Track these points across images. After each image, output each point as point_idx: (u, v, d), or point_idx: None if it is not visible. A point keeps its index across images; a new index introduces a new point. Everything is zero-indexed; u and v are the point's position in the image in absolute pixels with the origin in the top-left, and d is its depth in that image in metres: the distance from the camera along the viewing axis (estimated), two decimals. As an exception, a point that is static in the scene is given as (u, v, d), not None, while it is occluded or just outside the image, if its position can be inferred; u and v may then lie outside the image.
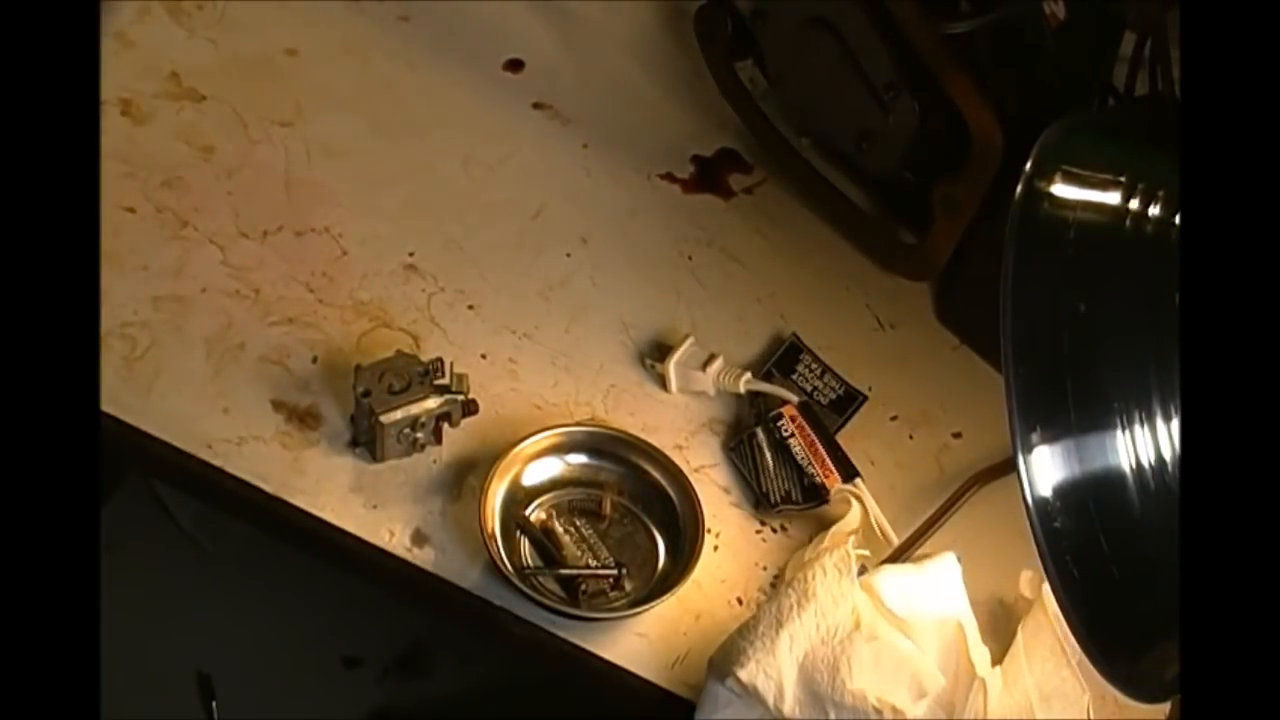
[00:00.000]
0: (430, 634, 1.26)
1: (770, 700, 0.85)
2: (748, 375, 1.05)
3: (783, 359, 1.09)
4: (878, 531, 0.99)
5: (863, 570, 0.93)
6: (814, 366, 1.09)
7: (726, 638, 0.89)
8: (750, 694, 0.86)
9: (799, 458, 1.01)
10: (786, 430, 1.02)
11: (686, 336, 1.07)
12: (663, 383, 1.07)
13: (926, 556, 0.96)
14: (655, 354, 1.08)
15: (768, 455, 1.02)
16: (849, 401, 1.08)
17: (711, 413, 1.06)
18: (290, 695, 1.27)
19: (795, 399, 1.04)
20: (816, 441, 1.01)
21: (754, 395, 1.06)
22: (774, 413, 1.03)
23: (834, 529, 0.98)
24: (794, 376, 1.08)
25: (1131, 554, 0.79)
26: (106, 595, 0.62)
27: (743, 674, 0.86)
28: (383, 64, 1.23)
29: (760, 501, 1.01)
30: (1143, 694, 0.80)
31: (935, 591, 0.92)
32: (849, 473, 1.00)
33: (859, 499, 0.99)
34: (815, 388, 1.08)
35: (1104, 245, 0.80)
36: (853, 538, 0.95)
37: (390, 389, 0.97)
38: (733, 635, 0.89)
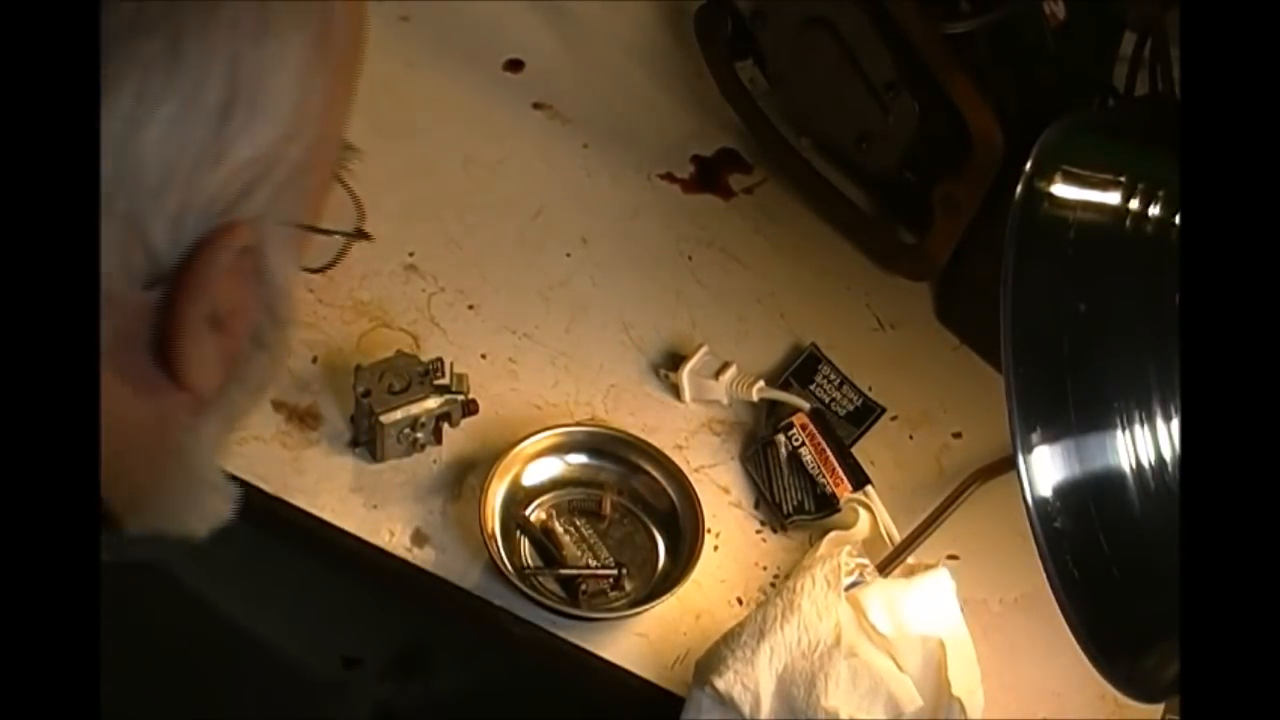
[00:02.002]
0: (430, 634, 1.26)
1: (746, 711, 0.85)
2: (760, 383, 1.05)
3: (801, 369, 1.09)
4: (886, 539, 0.99)
5: (861, 580, 0.92)
6: (832, 377, 1.09)
7: (713, 643, 0.89)
8: (727, 703, 0.85)
9: (810, 467, 1.01)
10: (797, 439, 1.01)
11: (700, 345, 1.07)
12: (676, 392, 1.06)
13: (925, 566, 0.96)
14: (668, 363, 1.07)
15: (783, 465, 1.02)
16: (866, 414, 1.08)
17: (711, 413, 1.06)
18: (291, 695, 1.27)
19: (806, 406, 1.03)
20: (827, 449, 1.00)
21: (769, 404, 1.05)
22: (785, 421, 1.02)
23: (830, 536, 0.98)
24: (812, 387, 1.08)
25: (1131, 554, 0.79)
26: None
27: (720, 683, 0.85)
28: (383, 64, 1.23)
29: (773, 511, 1.01)
30: (1143, 694, 0.80)
31: (924, 607, 0.91)
32: (859, 480, 1.00)
33: (868, 507, 0.99)
34: (833, 399, 1.08)
35: (1104, 245, 0.80)
36: (847, 548, 0.94)
37: (390, 389, 0.97)
38: (717, 642, 0.89)
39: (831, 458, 1.00)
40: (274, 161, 0.54)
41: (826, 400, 1.07)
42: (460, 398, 0.99)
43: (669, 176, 1.22)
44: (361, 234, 0.65)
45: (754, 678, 0.86)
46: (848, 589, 0.91)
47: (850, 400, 1.08)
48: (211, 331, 0.55)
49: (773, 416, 1.05)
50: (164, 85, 0.49)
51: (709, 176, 1.22)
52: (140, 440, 0.58)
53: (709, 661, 0.87)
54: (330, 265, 0.64)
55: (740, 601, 0.97)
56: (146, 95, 0.49)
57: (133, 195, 0.50)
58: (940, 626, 0.91)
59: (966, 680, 0.90)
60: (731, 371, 1.06)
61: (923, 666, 0.89)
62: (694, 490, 0.98)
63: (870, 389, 1.09)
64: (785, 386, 1.07)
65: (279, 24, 0.52)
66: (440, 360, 1.00)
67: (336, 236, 0.64)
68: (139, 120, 0.49)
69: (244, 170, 0.53)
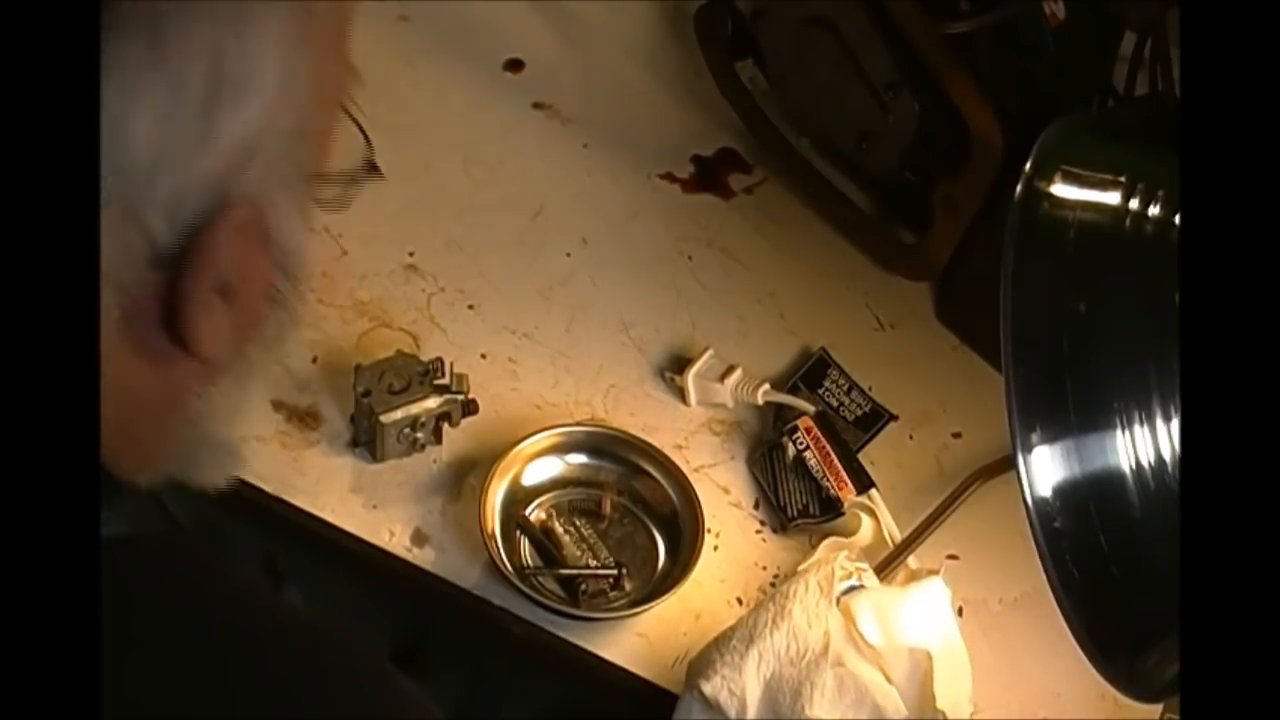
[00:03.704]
0: (430, 634, 1.26)
1: (732, 715, 0.85)
2: (766, 386, 1.05)
3: (810, 373, 1.08)
4: (889, 542, 0.98)
5: (859, 584, 0.92)
6: (841, 382, 1.08)
7: (704, 646, 0.89)
8: (714, 708, 0.85)
9: (814, 470, 1.00)
10: (802, 443, 1.01)
11: (706, 349, 1.07)
12: (679, 393, 1.06)
13: (927, 570, 0.95)
14: (672, 365, 1.07)
15: (789, 469, 1.01)
16: (875, 419, 1.07)
17: (711, 413, 1.06)
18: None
19: (812, 410, 1.03)
20: (831, 453, 1.00)
21: (775, 407, 1.05)
22: (790, 425, 1.02)
23: (827, 541, 0.98)
24: (820, 391, 1.08)
25: (1131, 554, 0.79)
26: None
27: (707, 687, 0.85)
28: (382, 63, 1.23)
29: (774, 512, 1.01)
30: (1143, 694, 0.80)
31: (916, 618, 0.90)
32: (863, 484, 0.99)
33: (871, 511, 0.99)
34: (841, 403, 1.07)
35: (1104, 245, 0.80)
36: (844, 553, 0.94)
37: (390, 389, 0.97)
38: (708, 645, 0.88)
39: (836, 461, 1.00)
40: (264, 136, 0.56)
41: (835, 405, 1.07)
42: (460, 398, 0.99)
43: (669, 176, 1.22)
44: (372, 168, 0.66)
45: (741, 683, 0.85)
46: (844, 594, 0.90)
47: (859, 405, 1.08)
48: (222, 301, 0.57)
49: (779, 420, 1.05)
50: (147, 82, 0.52)
51: (709, 176, 1.22)
52: (153, 408, 0.60)
53: (699, 665, 0.87)
54: (346, 204, 0.65)
55: (740, 601, 0.97)
56: (130, 92, 0.51)
57: (126, 185, 0.53)
58: (931, 638, 0.89)
59: (953, 693, 0.88)
60: (737, 375, 1.05)
61: (909, 678, 0.88)
62: (694, 490, 0.98)
63: (871, 389, 1.09)
64: (794, 391, 1.07)
65: (257, 11, 0.54)
66: (440, 360, 1.00)
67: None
68: (125, 116, 0.51)
69: (235, 150, 0.55)
